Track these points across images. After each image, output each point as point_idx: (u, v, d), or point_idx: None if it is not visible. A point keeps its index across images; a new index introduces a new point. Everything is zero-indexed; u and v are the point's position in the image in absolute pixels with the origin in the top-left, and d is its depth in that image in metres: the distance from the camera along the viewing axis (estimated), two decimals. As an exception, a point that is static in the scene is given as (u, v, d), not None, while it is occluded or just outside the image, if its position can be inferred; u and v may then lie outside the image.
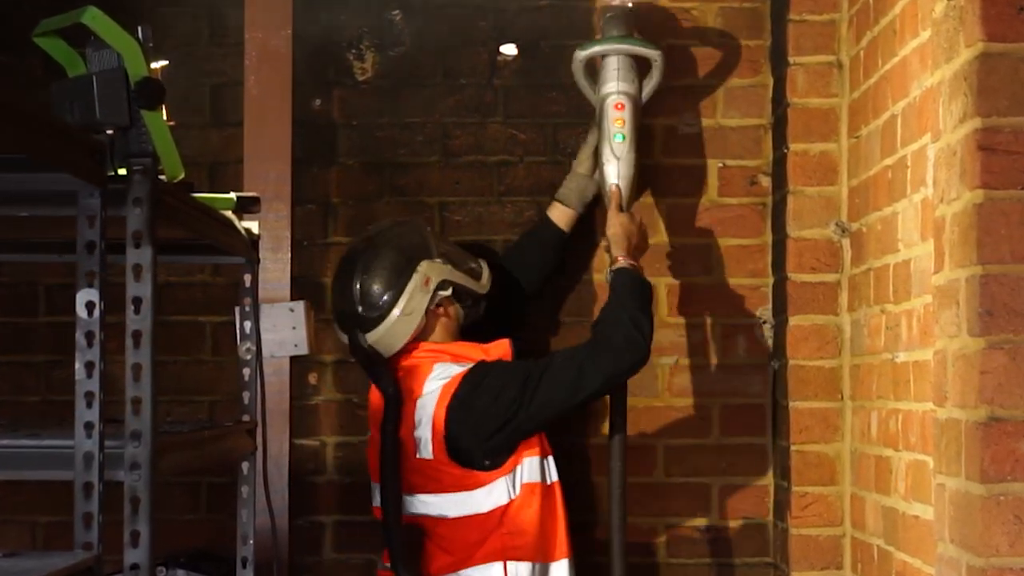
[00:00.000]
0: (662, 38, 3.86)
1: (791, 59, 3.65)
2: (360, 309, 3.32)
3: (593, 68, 3.61)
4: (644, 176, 3.84)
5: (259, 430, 3.01)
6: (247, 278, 3.00)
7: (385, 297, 3.31)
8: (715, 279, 3.86)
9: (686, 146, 3.87)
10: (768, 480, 3.82)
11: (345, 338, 3.39)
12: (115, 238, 2.11)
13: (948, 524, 2.42)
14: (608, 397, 3.45)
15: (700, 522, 3.83)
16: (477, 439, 3.23)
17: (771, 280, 3.83)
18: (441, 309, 3.40)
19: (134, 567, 2.12)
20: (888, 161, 3.15)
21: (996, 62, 2.31)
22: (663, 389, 3.85)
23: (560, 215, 3.67)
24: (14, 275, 3.86)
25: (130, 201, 2.13)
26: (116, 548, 2.14)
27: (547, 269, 3.71)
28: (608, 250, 3.48)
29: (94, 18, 2.29)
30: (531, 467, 3.28)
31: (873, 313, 3.27)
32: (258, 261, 3.03)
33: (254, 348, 3.00)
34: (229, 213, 2.80)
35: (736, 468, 3.83)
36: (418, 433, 3.25)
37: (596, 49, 3.57)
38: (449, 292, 3.39)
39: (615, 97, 3.51)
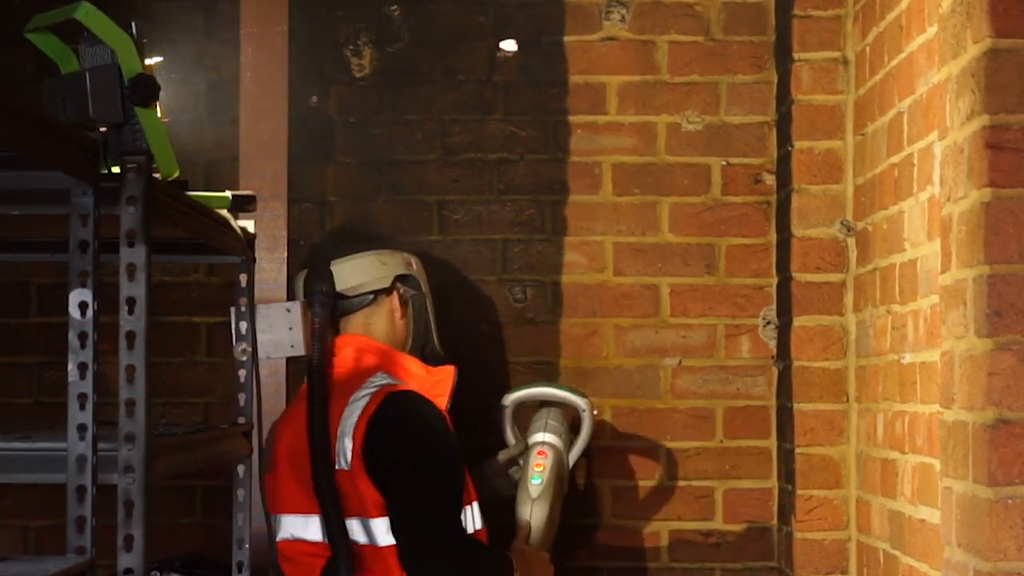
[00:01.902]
0: (665, 34, 3.84)
1: (796, 55, 3.62)
2: (343, 242, 3.27)
3: (523, 416, 3.51)
4: (646, 175, 3.83)
5: (255, 432, 2.98)
6: (243, 278, 2.97)
7: (368, 243, 3.28)
8: (718, 279, 3.84)
9: (689, 143, 3.84)
10: (772, 483, 3.80)
11: (303, 275, 3.22)
12: (108, 237, 2.10)
13: (955, 528, 2.41)
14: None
15: (703, 526, 3.81)
16: (376, 461, 3.01)
17: (775, 280, 3.81)
18: (401, 304, 3.26)
19: (128, 571, 2.10)
20: (894, 159, 3.13)
21: (1004, 58, 2.30)
22: (665, 391, 3.83)
23: None
24: (5, 275, 3.84)
25: (124, 199, 2.11)
26: (110, 552, 2.12)
27: None
28: None
29: (87, 14, 2.28)
30: None
31: (879, 313, 3.25)
32: (254, 260, 3.00)
33: (250, 349, 2.97)
34: (224, 212, 2.77)
35: (740, 471, 3.81)
36: (339, 444, 3.02)
37: (523, 393, 3.52)
38: (417, 293, 3.27)
39: (539, 447, 3.43)
